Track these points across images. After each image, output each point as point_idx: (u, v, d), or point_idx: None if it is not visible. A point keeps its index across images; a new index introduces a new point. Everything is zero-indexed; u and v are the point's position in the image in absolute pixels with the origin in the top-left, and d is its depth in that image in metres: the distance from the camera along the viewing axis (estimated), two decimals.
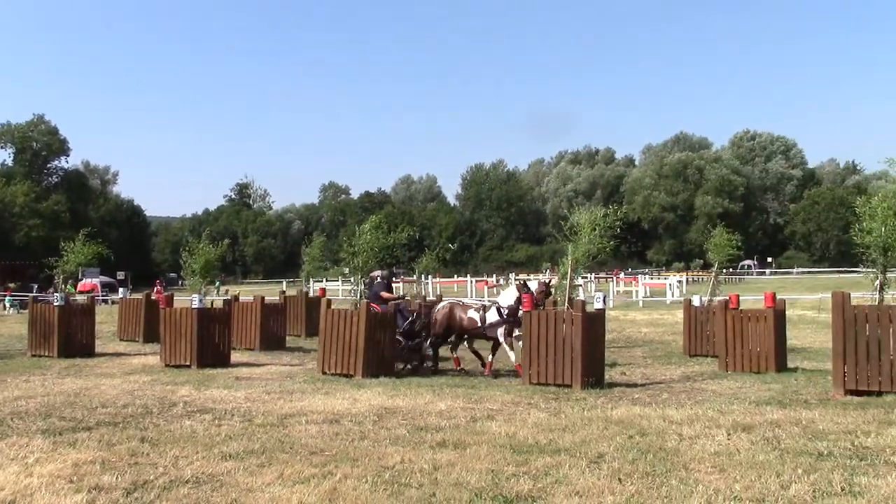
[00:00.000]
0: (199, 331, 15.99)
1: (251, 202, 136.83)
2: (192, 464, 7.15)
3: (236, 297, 22.19)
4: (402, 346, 15.70)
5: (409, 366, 15.77)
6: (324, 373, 14.32)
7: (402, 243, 16.43)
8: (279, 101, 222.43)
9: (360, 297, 15.19)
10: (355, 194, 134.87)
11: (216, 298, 19.84)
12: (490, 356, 15.37)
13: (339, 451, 7.62)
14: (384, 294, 16.62)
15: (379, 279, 16.61)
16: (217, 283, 58.54)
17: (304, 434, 8.51)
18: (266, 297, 21.44)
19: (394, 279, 24.10)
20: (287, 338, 21.68)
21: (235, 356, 17.48)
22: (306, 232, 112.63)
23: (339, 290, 36.86)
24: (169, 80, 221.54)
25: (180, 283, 58.53)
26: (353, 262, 15.31)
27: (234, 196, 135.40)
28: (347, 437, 8.28)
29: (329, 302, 15.34)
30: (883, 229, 11.68)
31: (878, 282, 12.13)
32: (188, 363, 15.94)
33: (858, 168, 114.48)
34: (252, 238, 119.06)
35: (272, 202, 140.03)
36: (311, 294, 26.41)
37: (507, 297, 15.15)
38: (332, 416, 9.65)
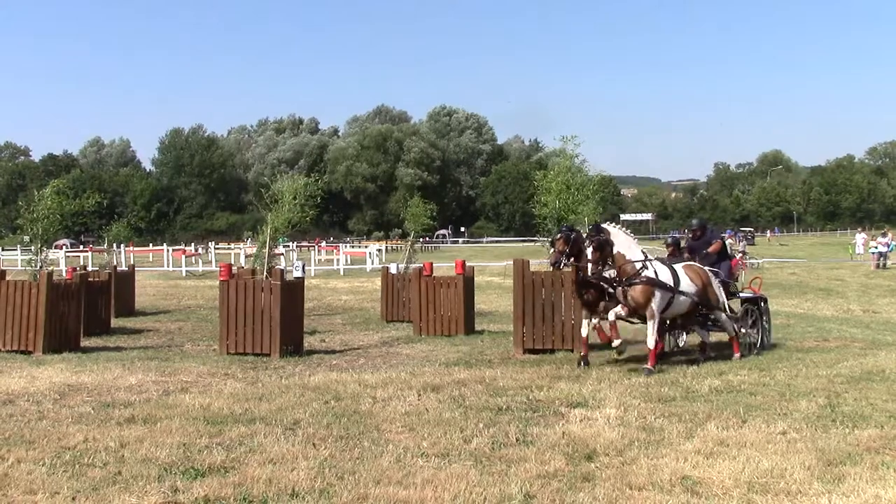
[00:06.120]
0: None
1: None
2: None
3: None
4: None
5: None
6: None
7: (90, 210, 15.39)
8: None
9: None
10: (37, 156, 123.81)
11: None
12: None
13: (13, 433, 7.03)
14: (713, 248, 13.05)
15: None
16: None
17: None
18: None
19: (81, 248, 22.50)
20: None
21: None
22: None
23: (18, 260, 33.72)
24: None
25: None
26: (33, 230, 14.16)
27: None
28: (23, 419, 7.66)
29: (3, 273, 13.99)
30: (557, 202, 12.84)
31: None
32: None
33: (541, 146, 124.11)
34: None
35: None
36: None
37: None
38: (6, 396, 8.86)
